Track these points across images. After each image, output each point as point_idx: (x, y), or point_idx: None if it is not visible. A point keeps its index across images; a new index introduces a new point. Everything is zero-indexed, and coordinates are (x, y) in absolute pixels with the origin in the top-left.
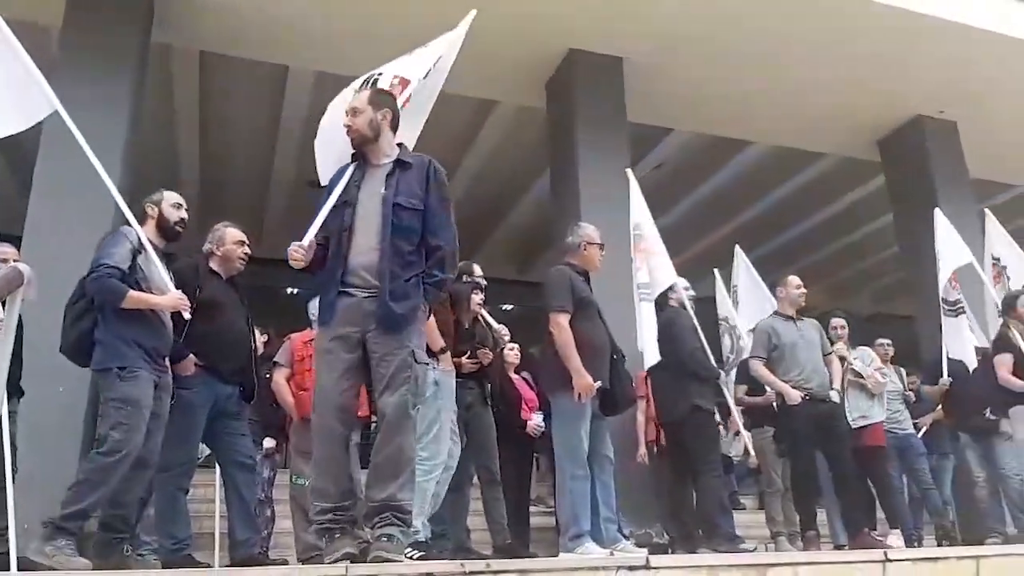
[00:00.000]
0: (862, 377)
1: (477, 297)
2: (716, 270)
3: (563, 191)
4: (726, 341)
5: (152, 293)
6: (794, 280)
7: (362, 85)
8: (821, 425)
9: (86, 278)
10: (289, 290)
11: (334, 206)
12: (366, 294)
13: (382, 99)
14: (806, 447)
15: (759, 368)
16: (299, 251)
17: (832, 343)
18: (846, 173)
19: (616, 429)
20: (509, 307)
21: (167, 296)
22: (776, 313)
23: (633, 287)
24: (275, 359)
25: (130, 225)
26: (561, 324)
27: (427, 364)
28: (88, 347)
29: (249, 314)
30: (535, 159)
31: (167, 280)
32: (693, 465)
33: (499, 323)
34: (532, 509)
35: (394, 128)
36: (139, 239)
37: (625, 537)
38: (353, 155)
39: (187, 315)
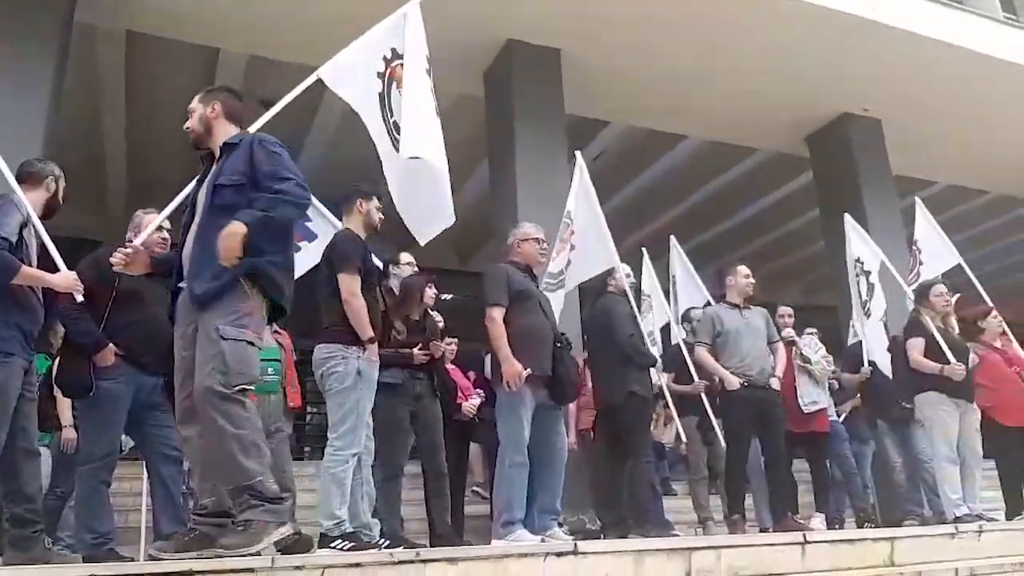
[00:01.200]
0: (810, 363)
1: (431, 291)
2: (644, 249)
3: (501, 181)
4: (647, 317)
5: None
6: (743, 270)
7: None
8: (759, 411)
9: None
10: None
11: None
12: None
13: (211, 94)
14: (743, 433)
15: (702, 354)
16: (119, 255)
17: (779, 330)
18: (777, 168)
19: None
20: (449, 297)
21: (62, 274)
22: (723, 301)
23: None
24: None
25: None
26: (494, 318)
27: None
28: None
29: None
30: (474, 148)
31: (57, 257)
32: (626, 451)
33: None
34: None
35: (230, 116)
36: (28, 211)
37: (559, 525)
38: (201, 157)
39: (79, 297)
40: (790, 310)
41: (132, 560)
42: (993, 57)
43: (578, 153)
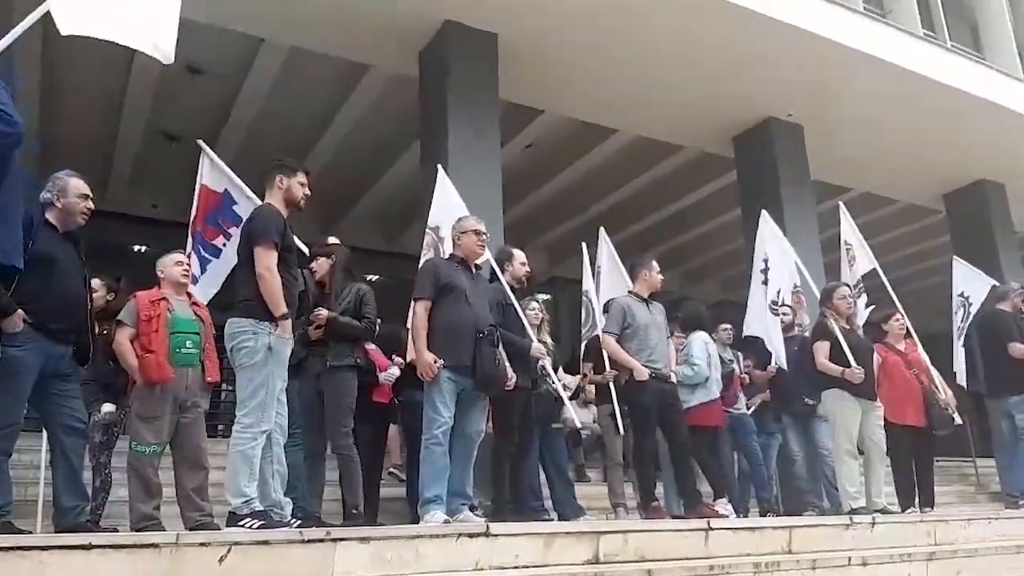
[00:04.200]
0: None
1: (314, 263)
2: (584, 244)
3: (432, 163)
4: (583, 314)
5: None
6: (656, 264)
7: None
8: (661, 402)
9: None
10: (136, 247)
11: None
12: None
13: None
14: (650, 422)
15: (611, 343)
16: None
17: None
18: (702, 167)
19: None
20: (375, 278)
21: None
22: (631, 293)
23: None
24: (119, 317)
25: None
26: (416, 311)
27: None
28: None
29: (87, 271)
30: (406, 128)
31: None
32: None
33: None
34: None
35: None
36: None
37: (471, 508)
38: None
39: None
40: (729, 326)
41: (30, 533)
42: (911, 71)
43: (439, 167)
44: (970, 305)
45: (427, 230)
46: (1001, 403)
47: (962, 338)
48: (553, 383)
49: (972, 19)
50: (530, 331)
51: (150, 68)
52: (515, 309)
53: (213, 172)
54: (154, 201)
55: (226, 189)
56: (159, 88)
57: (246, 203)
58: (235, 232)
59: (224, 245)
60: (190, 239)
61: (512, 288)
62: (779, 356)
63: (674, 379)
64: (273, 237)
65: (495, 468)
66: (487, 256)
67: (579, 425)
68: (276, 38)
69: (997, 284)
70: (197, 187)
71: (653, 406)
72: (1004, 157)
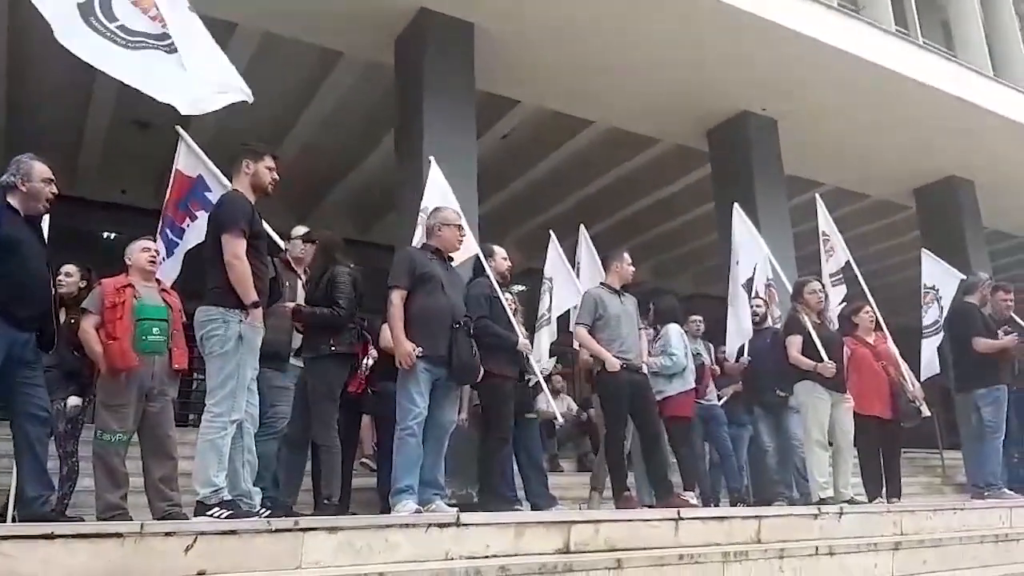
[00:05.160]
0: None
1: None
2: (551, 231)
3: (407, 152)
4: (544, 299)
5: None
6: (627, 256)
7: None
8: (633, 393)
9: None
10: (105, 233)
11: None
12: None
13: None
14: (621, 413)
15: (583, 334)
16: None
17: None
18: (677, 160)
19: None
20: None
21: None
22: (603, 284)
23: None
24: (84, 305)
25: None
26: (392, 300)
27: None
28: None
29: (50, 257)
30: (381, 116)
31: None
32: (486, 428)
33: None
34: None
35: None
36: None
37: (443, 498)
38: None
39: None
40: (701, 318)
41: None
42: (884, 67)
43: (431, 159)
44: (941, 299)
45: (420, 211)
46: (968, 396)
47: (938, 334)
48: (536, 375)
49: (944, 16)
50: (516, 324)
51: None
52: (501, 302)
53: (189, 157)
54: (123, 187)
55: (200, 175)
56: None
57: (219, 190)
58: (201, 215)
59: (187, 227)
60: (160, 222)
61: (495, 282)
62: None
63: (645, 370)
64: (241, 224)
65: (484, 458)
66: (476, 250)
67: (558, 416)
68: (249, 23)
69: (965, 278)
70: (172, 172)
71: (624, 396)
72: (974, 153)
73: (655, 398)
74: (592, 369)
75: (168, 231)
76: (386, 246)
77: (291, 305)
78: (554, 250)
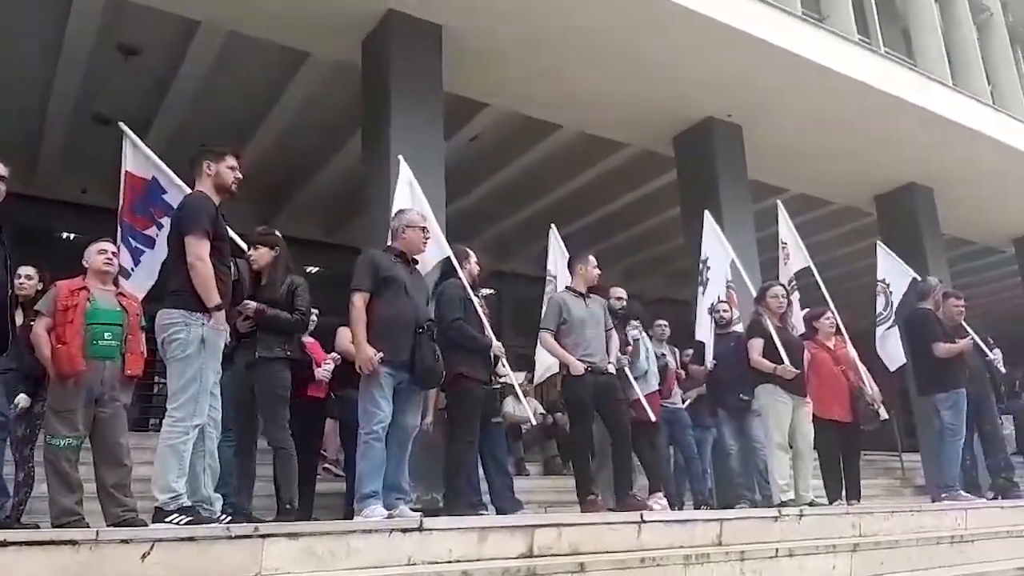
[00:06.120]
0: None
1: (254, 252)
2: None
3: (374, 154)
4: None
5: None
6: (592, 260)
7: None
8: (599, 396)
9: None
10: (64, 234)
11: None
12: None
13: None
14: (587, 416)
15: (547, 339)
16: None
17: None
18: (644, 165)
19: None
20: (314, 270)
21: None
22: (568, 288)
23: None
24: (37, 307)
25: None
26: (354, 303)
27: None
28: None
29: (8, 256)
30: (348, 117)
31: None
32: (452, 431)
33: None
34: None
35: None
36: None
37: (407, 503)
38: None
39: None
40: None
41: None
42: (847, 76)
43: (400, 158)
44: (891, 293)
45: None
46: (929, 400)
47: (886, 324)
48: (510, 377)
49: (905, 25)
50: (488, 328)
51: (81, 47)
52: (475, 305)
53: (137, 158)
54: (84, 186)
55: (153, 176)
56: (90, 69)
57: (175, 191)
58: (167, 221)
59: (157, 235)
60: (119, 229)
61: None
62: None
63: (611, 370)
64: (204, 226)
65: (450, 463)
66: (448, 252)
67: (532, 419)
68: (213, 21)
69: (917, 277)
70: (121, 174)
71: (589, 400)
72: (933, 161)
73: (623, 399)
74: (558, 376)
75: (131, 238)
76: (353, 248)
77: (255, 305)
78: (556, 245)
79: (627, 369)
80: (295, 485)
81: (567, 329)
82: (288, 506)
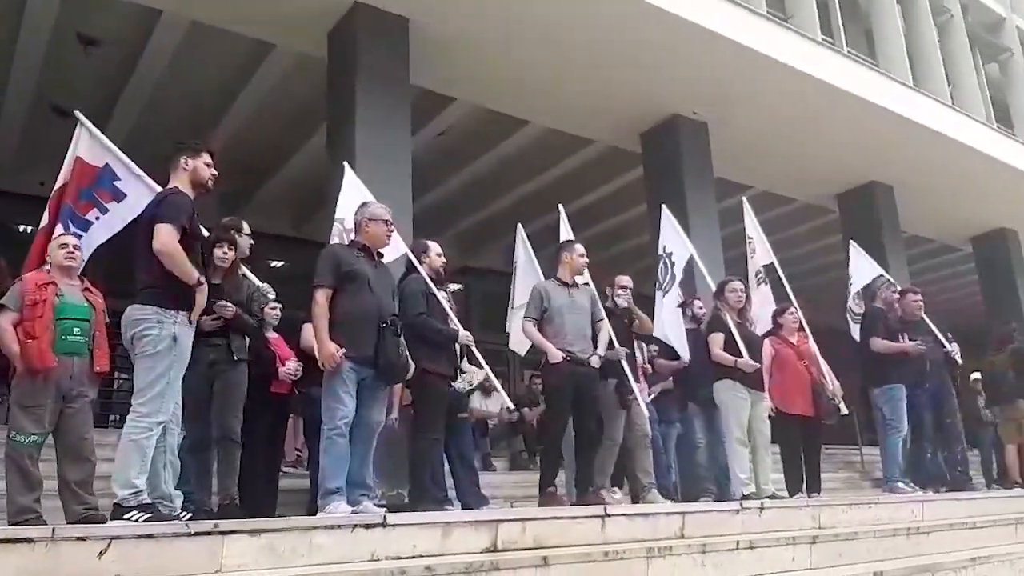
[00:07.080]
0: None
1: (220, 251)
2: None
3: (340, 148)
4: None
5: None
6: (580, 248)
7: None
8: (577, 387)
9: None
10: (22, 227)
11: None
12: None
13: None
14: (562, 407)
15: (529, 328)
16: None
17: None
18: (611, 161)
19: None
20: (280, 264)
21: None
22: (554, 277)
23: None
24: (2, 301)
25: None
26: (316, 299)
27: None
28: None
29: None
30: (314, 110)
31: None
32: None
33: (266, 281)
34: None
35: None
36: None
37: (371, 499)
38: None
39: None
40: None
41: None
42: (811, 75)
43: (345, 164)
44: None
45: (335, 221)
46: (871, 395)
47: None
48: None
49: (867, 25)
50: (454, 320)
51: (39, 36)
52: (438, 299)
53: (93, 146)
54: (42, 179)
55: (107, 163)
56: (49, 59)
57: (133, 180)
58: (113, 207)
59: (97, 219)
60: (51, 214)
61: (430, 279)
62: (683, 351)
63: (595, 363)
64: (182, 220)
65: (415, 459)
66: (404, 249)
67: (507, 414)
68: (175, 11)
69: (883, 274)
70: (69, 159)
71: (568, 389)
72: (894, 160)
73: (599, 394)
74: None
75: (70, 222)
76: (320, 243)
77: (233, 308)
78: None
79: (624, 362)
80: (236, 477)
81: (547, 317)
82: (226, 502)
